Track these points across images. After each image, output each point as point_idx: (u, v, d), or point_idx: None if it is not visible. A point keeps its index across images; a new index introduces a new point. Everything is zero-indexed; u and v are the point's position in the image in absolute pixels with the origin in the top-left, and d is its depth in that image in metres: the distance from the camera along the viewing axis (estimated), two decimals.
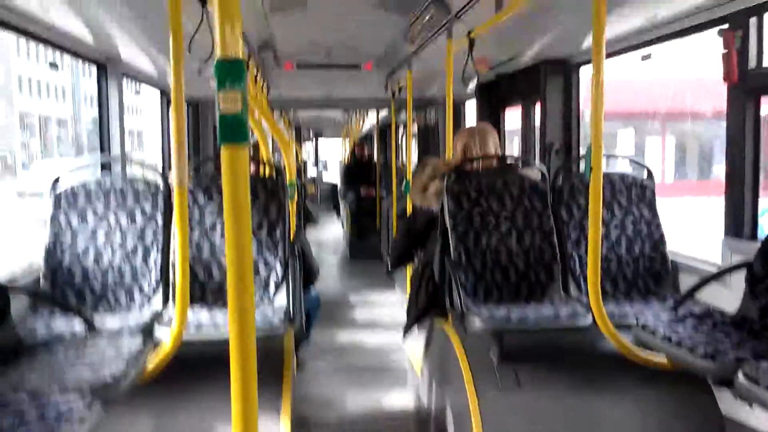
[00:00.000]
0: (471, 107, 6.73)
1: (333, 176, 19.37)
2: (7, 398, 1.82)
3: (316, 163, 19.86)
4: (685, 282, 3.23)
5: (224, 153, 1.45)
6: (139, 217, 3.28)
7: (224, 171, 1.45)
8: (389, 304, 6.51)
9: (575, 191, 3.41)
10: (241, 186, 1.46)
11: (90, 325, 2.62)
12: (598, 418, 2.76)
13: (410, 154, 6.00)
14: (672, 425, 2.73)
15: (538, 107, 4.74)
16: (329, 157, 21.94)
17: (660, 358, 2.46)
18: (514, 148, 6.33)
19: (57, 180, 3.30)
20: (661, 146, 20.64)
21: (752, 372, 1.89)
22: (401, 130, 10.27)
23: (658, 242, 3.37)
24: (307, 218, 11.53)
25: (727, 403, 2.72)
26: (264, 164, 4.41)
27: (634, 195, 3.44)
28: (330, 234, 12.17)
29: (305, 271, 3.86)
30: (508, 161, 3.74)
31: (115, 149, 4.17)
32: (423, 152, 8.49)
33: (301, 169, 13.38)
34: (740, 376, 1.92)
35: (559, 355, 3.04)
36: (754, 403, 1.89)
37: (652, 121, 20.36)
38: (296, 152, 13.60)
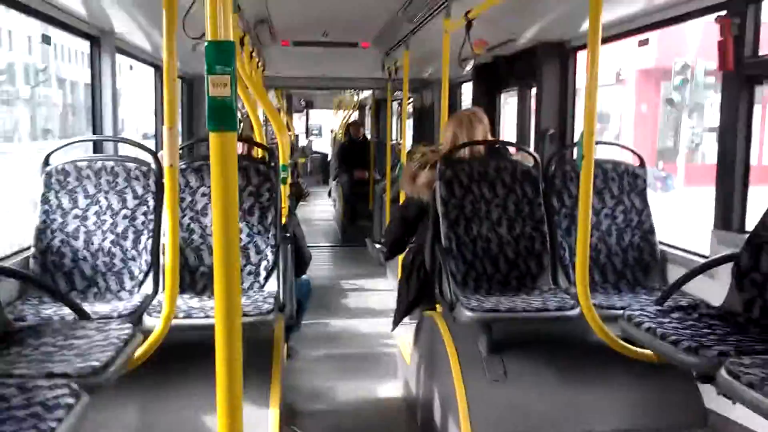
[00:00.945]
0: (467, 90, 6.69)
1: (324, 145, 19.15)
2: None
3: (307, 134, 19.64)
4: (674, 273, 3.24)
5: (213, 140, 1.44)
6: (130, 199, 3.26)
7: (213, 158, 1.45)
8: (381, 291, 6.51)
9: (567, 179, 3.40)
10: (230, 173, 1.45)
11: (79, 312, 2.62)
12: (584, 409, 2.79)
13: (405, 135, 5.98)
14: (656, 417, 2.77)
15: (534, 91, 4.72)
16: (322, 124, 21.58)
17: (645, 351, 2.48)
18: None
19: (48, 158, 3.27)
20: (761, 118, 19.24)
21: (734, 368, 1.90)
22: (396, 109, 10.21)
23: (648, 232, 3.38)
24: (299, 195, 11.48)
25: (711, 395, 2.75)
26: (256, 146, 4.38)
27: (626, 183, 3.44)
28: (320, 213, 12.06)
29: (297, 257, 3.86)
30: (498, 146, 3.72)
31: (107, 128, 4.13)
32: (418, 134, 8.45)
33: (293, 145, 13.26)
34: (723, 372, 1.93)
35: (546, 345, 3.07)
36: (736, 401, 1.91)
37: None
38: (288, 125, 13.47)
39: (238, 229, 1.48)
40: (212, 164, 1.45)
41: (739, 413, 2.56)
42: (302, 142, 18.68)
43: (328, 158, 14.72)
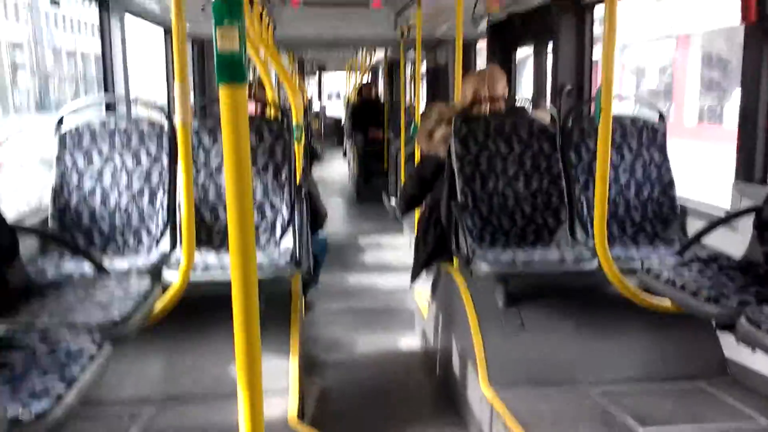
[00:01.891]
0: (482, 48, 6.58)
1: (337, 109, 19.02)
2: (18, 338, 1.85)
3: (320, 98, 19.54)
4: (694, 226, 3.21)
5: (223, 93, 1.42)
6: (144, 159, 3.27)
7: (223, 111, 1.43)
8: (397, 247, 6.53)
9: (585, 134, 3.36)
10: (241, 126, 1.44)
11: (99, 267, 2.65)
12: (602, 359, 2.80)
13: (419, 95, 5.91)
14: (675, 366, 2.77)
15: (550, 48, 4.63)
16: (336, 89, 21.38)
17: (664, 302, 2.47)
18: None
19: (61, 119, 3.28)
20: None
21: (755, 316, 1.89)
22: (410, 69, 10.08)
23: (668, 186, 3.34)
24: (313, 156, 11.43)
25: (731, 346, 2.74)
26: (269, 105, 4.35)
27: (645, 138, 3.39)
28: (335, 173, 12.08)
29: (312, 214, 3.87)
30: (518, 104, 3.67)
31: (119, 88, 4.12)
32: (432, 94, 8.34)
33: (306, 108, 13.18)
34: (743, 320, 1.92)
35: (564, 298, 3.06)
36: (757, 347, 1.90)
37: None
38: (301, 89, 13.38)
39: (251, 183, 1.47)
40: (222, 117, 1.43)
41: (759, 364, 2.56)
42: (316, 107, 18.60)
43: (342, 122, 14.63)
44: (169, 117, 3.35)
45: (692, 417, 2.36)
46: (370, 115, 9.99)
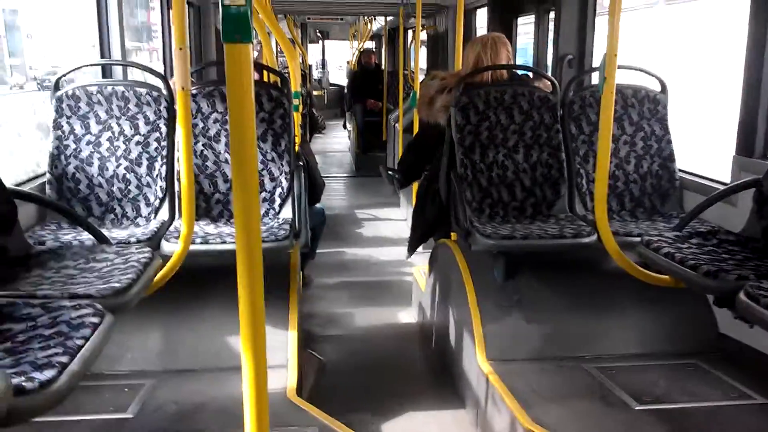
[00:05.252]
0: (482, 16, 6.49)
1: (341, 77, 18.80)
2: (19, 306, 1.85)
3: (323, 66, 19.30)
4: (693, 201, 3.21)
5: (228, 51, 1.39)
6: (142, 125, 3.23)
7: (228, 70, 1.40)
8: (395, 221, 6.52)
9: (586, 105, 3.33)
10: (246, 85, 1.41)
11: (98, 236, 2.64)
12: (599, 334, 2.83)
13: (418, 63, 5.84)
14: (670, 342, 2.80)
15: (552, 16, 4.56)
16: (339, 58, 21.04)
17: (662, 277, 2.48)
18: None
19: (57, 83, 3.23)
20: None
21: (754, 291, 1.89)
22: (410, 37, 9.95)
23: (668, 159, 3.33)
24: (314, 127, 11.32)
25: (726, 323, 2.76)
26: (268, 71, 4.29)
27: (647, 110, 3.36)
28: (336, 145, 12.01)
29: (310, 185, 3.85)
30: (519, 72, 3.63)
31: (115, 52, 4.05)
32: (432, 61, 8.25)
33: (306, 76, 13.01)
34: (742, 295, 1.93)
35: (562, 272, 3.07)
36: (754, 324, 1.91)
37: None
38: (302, 56, 13.19)
39: (255, 143, 1.44)
40: (228, 75, 1.40)
41: (754, 339, 2.59)
42: (317, 75, 18.36)
43: (345, 90, 14.49)
44: (167, 83, 3.30)
45: (687, 394, 2.38)
46: (370, 84, 9.87)
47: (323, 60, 19.09)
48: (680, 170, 3.33)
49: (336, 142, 12.32)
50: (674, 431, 2.14)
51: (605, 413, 2.27)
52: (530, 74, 3.75)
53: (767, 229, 2.40)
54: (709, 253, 2.28)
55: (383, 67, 10.88)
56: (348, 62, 16.77)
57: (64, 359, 1.56)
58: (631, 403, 2.30)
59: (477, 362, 2.68)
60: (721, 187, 2.90)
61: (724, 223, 2.79)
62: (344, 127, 12.80)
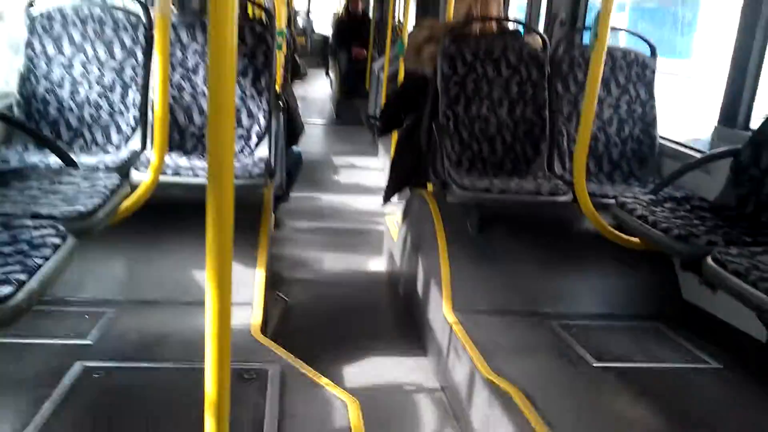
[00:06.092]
0: None
1: (326, 28, 18.46)
2: None
3: (308, 14, 18.86)
4: (671, 168, 3.22)
5: None
6: (117, 51, 3.12)
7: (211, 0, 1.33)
8: (372, 170, 6.48)
9: (575, 65, 3.29)
10: (229, 17, 1.35)
11: (66, 159, 2.56)
12: (564, 292, 2.85)
13: (408, 12, 5.71)
14: (634, 304, 2.84)
15: None
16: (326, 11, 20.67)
17: (633, 239, 2.50)
18: None
19: (32, 1, 3.10)
20: None
21: (721, 257, 1.91)
22: None
23: (649, 125, 3.32)
24: (295, 72, 11.11)
25: (690, 289, 2.81)
26: (252, 4, 4.16)
27: (634, 73, 3.33)
28: (317, 93, 11.84)
29: (289, 127, 3.77)
30: (510, 26, 3.56)
31: None
32: (422, 11, 8.09)
33: (292, 18, 12.71)
34: (709, 260, 1.95)
35: (535, 230, 3.08)
36: (718, 289, 1.94)
37: None
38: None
39: (234, 78, 1.39)
40: (210, 6, 1.33)
41: (715, 306, 2.63)
42: (303, 24, 17.93)
43: (330, 41, 14.23)
44: (146, 8, 3.18)
45: (646, 355, 2.43)
46: (355, 32, 9.67)
47: (309, 6, 18.68)
48: (660, 137, 3.33)
49: (317, 89, 12.14)
50: (630, 388, 2.18)
51: (564, 368, 2.30)
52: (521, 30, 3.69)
53: (742, 198, 2.42)
54: (682, 218, 2.30)
55: (370, 15, 10.65)
56: (334, 14, 16.43)
57: (22, 276, 1.52)
58: (590, 360, 2.34)
59: (442, 312, 2.69)
60: (699, 155, 2.91)
61: (698, 192, 2.81)
62: (326, 74, 12.59)
